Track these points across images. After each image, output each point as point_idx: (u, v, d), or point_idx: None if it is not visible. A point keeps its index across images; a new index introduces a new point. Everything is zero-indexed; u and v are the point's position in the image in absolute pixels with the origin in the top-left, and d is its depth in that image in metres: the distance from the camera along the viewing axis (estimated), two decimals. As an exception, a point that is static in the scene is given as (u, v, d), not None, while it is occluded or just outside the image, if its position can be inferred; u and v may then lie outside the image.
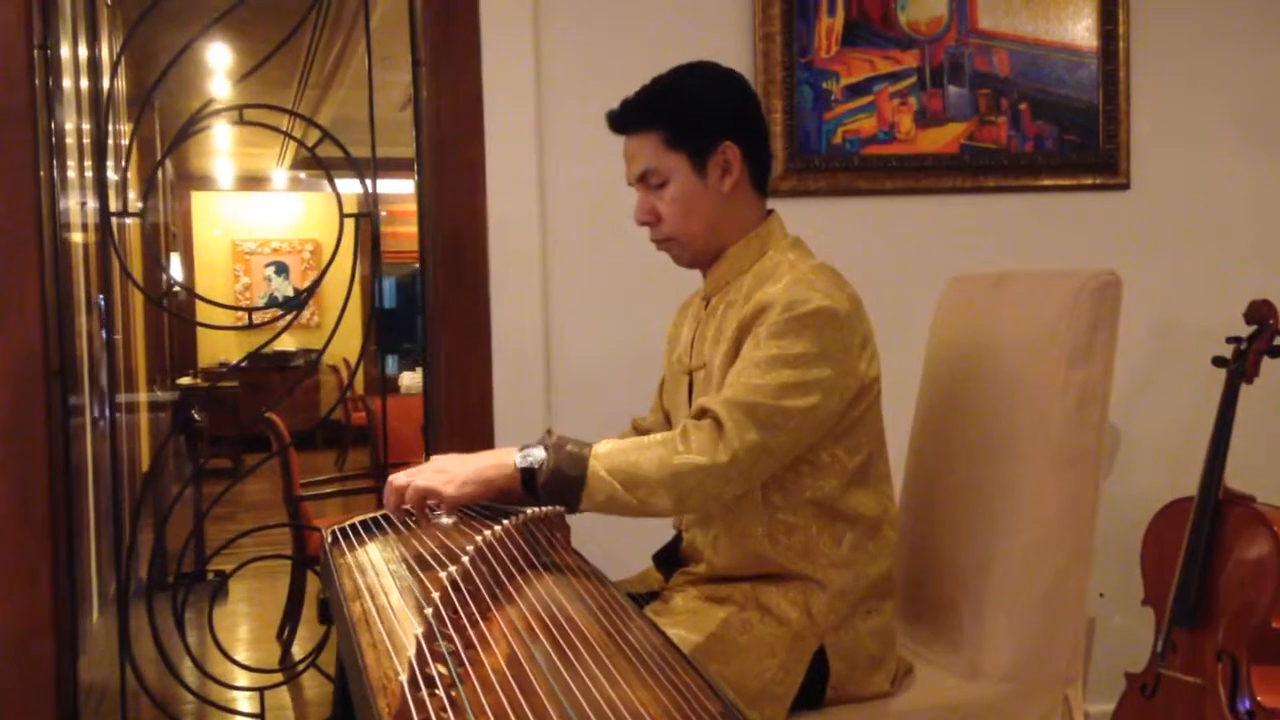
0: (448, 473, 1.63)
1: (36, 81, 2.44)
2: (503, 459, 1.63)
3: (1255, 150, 3.03)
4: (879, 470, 1.77)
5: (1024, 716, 1.86)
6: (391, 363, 10.93)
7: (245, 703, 3.06)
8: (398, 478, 1.66)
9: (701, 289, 1.88)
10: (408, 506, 1.64)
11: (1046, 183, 2.91)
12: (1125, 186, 2.95)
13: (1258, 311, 2.60)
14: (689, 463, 1.57)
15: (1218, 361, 2.63)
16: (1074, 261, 2.79)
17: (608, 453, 1.60)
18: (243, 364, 9.64)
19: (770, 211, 1.84)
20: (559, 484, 1.59)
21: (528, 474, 1.61)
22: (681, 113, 1.75)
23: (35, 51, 2.44)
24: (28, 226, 2.42)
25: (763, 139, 1.82)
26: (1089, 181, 2.93)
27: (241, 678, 3.37)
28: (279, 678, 3.64)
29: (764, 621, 1.69)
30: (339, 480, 5.49)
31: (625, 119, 1.79)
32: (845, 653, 1.72)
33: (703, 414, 1.62)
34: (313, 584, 4.11)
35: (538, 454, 1.61)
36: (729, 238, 1.79)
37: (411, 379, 9.62)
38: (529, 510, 1.71)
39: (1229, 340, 2.64)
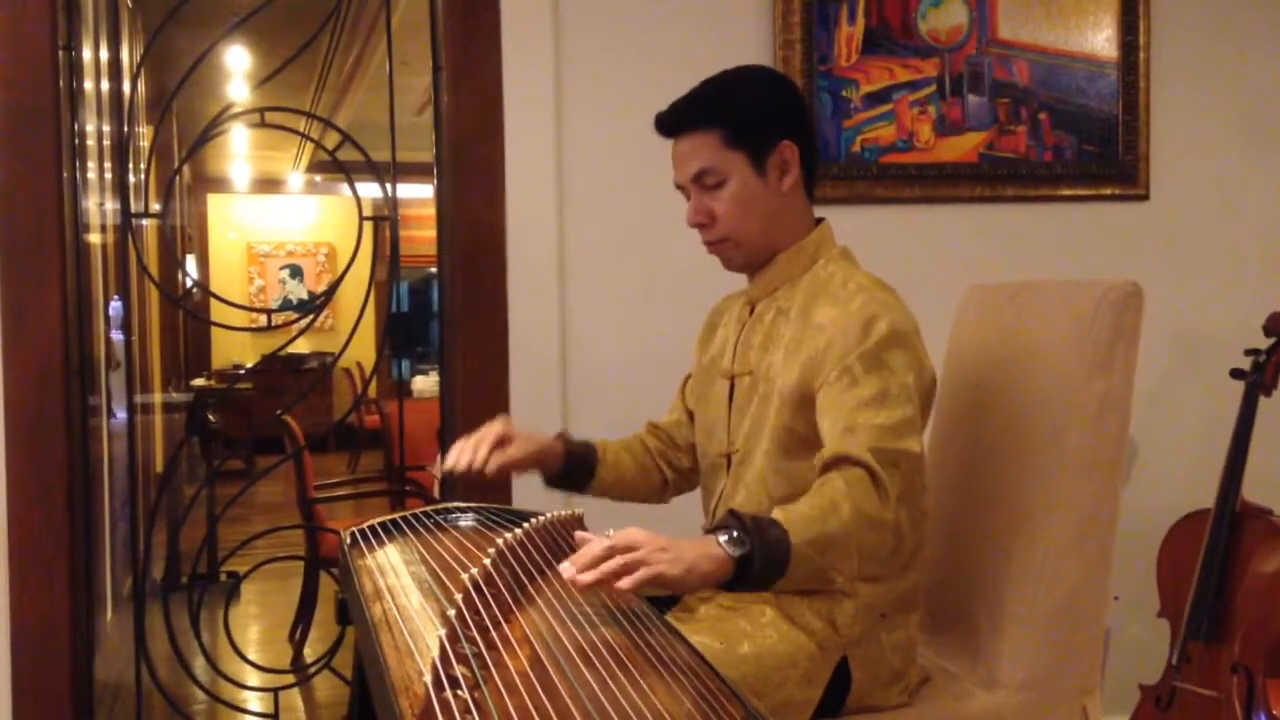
0: (670, 553, 1.36)
1: (61, 82, 2.45)
2: (711, 549, 1.40)
3: (1275, 161, 3.02)
4: (915, 483, 1.76)
5: (1041, 727, 1.86)
6: (404, 366, 10.96)
7: (257, 703, 3.06)
8: (596, 546, 1.35)
9: (746, 293, 1.87)
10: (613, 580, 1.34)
11: (1065, 193, 2.91)
12: (1144, 197, 2.94)
13: (1277, 324, 2.60)
14: (862, 517, 1.49)
15: (1236, 374, 2.62)
16: (1092, 272, 2.79)
17: (797, 523, 1.45)
18: (258, 366, 9.67)
19: (820, 219, 1.83)
20: (768, 570, 1.43)
21: (742, 564, 1.41)
22: (742, 111, 1.73)
23: (60, 52, 2.45)
24: (50, 227, 2.43)
25: (814, 142, 1.83)
26: (1108, 192, 2.93)
27: (254, 678, 3.38)
28: (292, 678, 3.64)
29: (788, 631, 1.68)
30: (352, 483, 5.51)
31: (680, 119, 1.76)
32: (867, 664, 1.70)
33: (843, 461, 1.54)
34: (325, 586, 4.11)
35: (740, 543, 1.41)
36: (781, 241, 1.78)
37: (424, 383, 9.65)
38: (547, 514, 1.72)
39: (1248, 352, 2.63)
